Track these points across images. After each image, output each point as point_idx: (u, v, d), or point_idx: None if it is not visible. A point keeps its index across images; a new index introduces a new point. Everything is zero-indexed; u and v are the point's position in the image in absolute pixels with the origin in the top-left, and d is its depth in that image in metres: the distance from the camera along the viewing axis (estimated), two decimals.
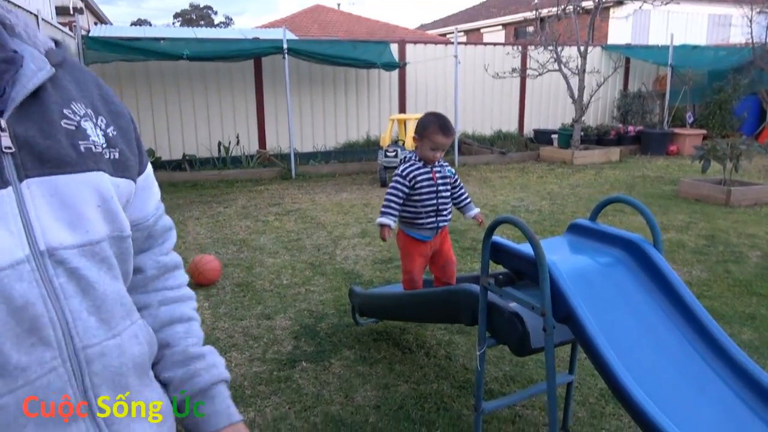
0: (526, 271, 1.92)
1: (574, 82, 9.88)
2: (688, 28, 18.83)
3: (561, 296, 1.76)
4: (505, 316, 2.07)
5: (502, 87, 11.15)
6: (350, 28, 21.54)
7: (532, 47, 10.95)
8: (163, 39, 8.35)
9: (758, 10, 11.68)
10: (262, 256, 4.87)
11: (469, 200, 3.17)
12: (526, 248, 1.90)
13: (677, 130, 10.95)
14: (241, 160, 9.29)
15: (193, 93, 9.27)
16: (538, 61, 10.25)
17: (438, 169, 2.96)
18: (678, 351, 1.75)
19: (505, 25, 24.48)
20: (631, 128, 11.04)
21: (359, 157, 9.77)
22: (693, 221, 5.77)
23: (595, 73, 10.64)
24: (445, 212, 2.96)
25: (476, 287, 2.24)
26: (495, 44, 11.67)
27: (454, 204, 3.12)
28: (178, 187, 8.19)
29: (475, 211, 3.16)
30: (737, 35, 15.78)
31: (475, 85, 11.01)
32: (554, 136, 10.65)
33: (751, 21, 11.08)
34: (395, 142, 8.18)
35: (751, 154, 6.66)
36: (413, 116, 8.30)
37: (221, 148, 9.38)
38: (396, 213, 2.91)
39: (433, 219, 2.93)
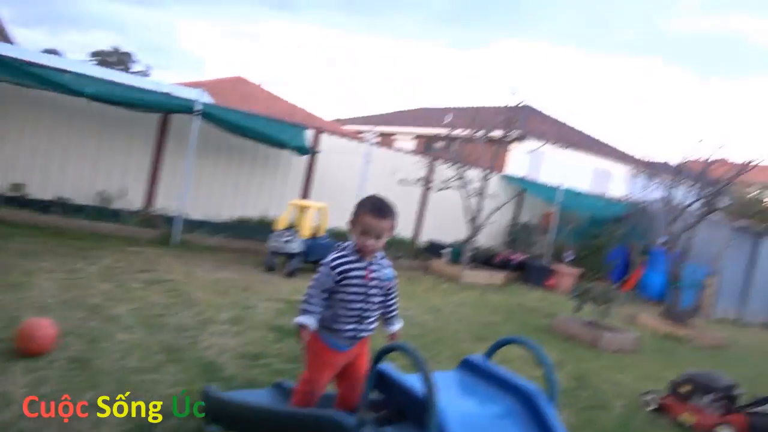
0: (411, 412, 1.70)
1: (473, 201, 10.31)
2: (574, 174, 20.76)
3: None
4: None
5: (405, 193, 11.40)
6: (270, 105, 21.64)
7: (440, 161, 11.44)
8: (69, 72, 7.77)
9: (635, 171, 13.09)
10: (113, 329, 4.28)
11: (395, 313, 2.79)
12: (416, 384, 1.70)
13: (556, 266, 11.61)
14: (120, 215, 8.57)
15: (84, 133, 8.59)
16: (443, 176, 10.66)
17: (375, 267, 2.56)
18: None
19: (417, 136, 25.75)
20: (516, 256, 11.58)
21: (251, 235, 9.37)
22: (564, 360, 5.89)
23: (493, 197, 11.20)
24: (369, 321, 2.57)
25: (349, 420, 1.98)
26: (406, 152, 12.06)
27: (381, 313, 2.72)
28: (41, 230, 7.32)
29: (397, 326, 2.78)
30: (615, 189, 17.58)
31: (379, 187, 11.10)
32: (446, 251, 10.89)
33: (631, 179, 12.32)
34: (290, 228, 7.92)
35: (621, 301, 7.09)
36: (315, 204, 8.15)
37: (102, 197, 8.63)
38: (319, 310, 2.50)
39: (354, 326, 2.54)
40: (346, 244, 2.59)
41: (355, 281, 2.50)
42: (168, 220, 8.70)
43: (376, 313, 2.61)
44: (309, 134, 9.96)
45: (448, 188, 10.47)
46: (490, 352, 2.15)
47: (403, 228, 11.56)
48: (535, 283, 11.17)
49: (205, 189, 9.50)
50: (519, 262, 11.47)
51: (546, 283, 11.25)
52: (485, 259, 11.12)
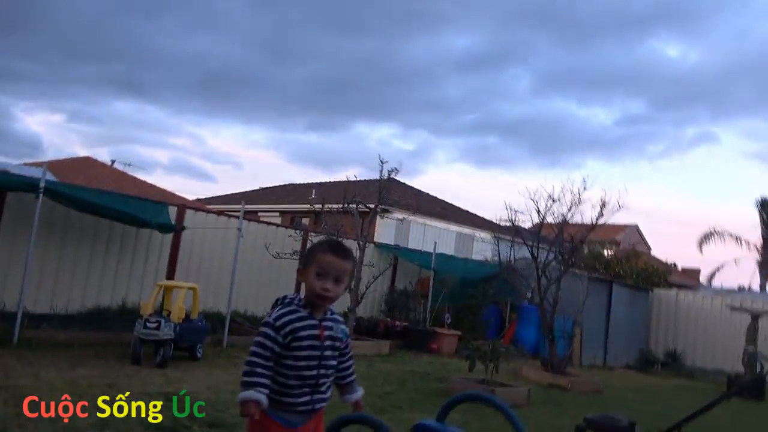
0: None
1: None
2: (440, 239, 21.61)
3: None
4: None
5: (281, 268, 10.92)
6: (123, 186, 20.15)
7: (313, 233, 11.21)
8: None
9: (495, 235, 13.85)
10: None
11: (354, 377, 2.35)
12: None
13: (438, 329, 11.66)
14: None
15: None
16: None
17: (329, 324, 2.15)
18: None
19: (282, 213, 25.39)
20: (397, 323, 11.48)
21: (110, 326, 8.27)
22: (470, 420, 5.71)
23: (371, 266, 11.11)
24: (325, 388, 2.15)
25: None
26: (278, 225, 11.70)
27: (336, 378, 2.27)
28: None
29: (359, 393, 2.34)
30: (479, 252, 18.48)
31: (253, 263, 10.61)
32: None
33: (497, 241, 12.94)
34: (159, 312, 7.11)
35: (510, 356, 7.17)
36: (185, 285, 7.44)
37: None
38: (266, 381, 2.00)
39: (308, 397, 2.09)
40: (290, 296, 2.18)
41: (306, 342, 2.07)
42: (4, 317, 7.41)
43: (331, 377, 2.20)
44: (172, 211, 9.26)
45: None
46: (443, 414, 1.89)
47: None
48: (419, 348, 11.08)
49: (49, 276, 8.31)
50: (401, 328, 11.37)
51: (430, 347, 11.20)
52: (368, 329, 10.87)
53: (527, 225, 12.02)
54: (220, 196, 30.07)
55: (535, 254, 10.10)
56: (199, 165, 68.35)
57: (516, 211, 10.88)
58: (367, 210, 10.95)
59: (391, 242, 18.54)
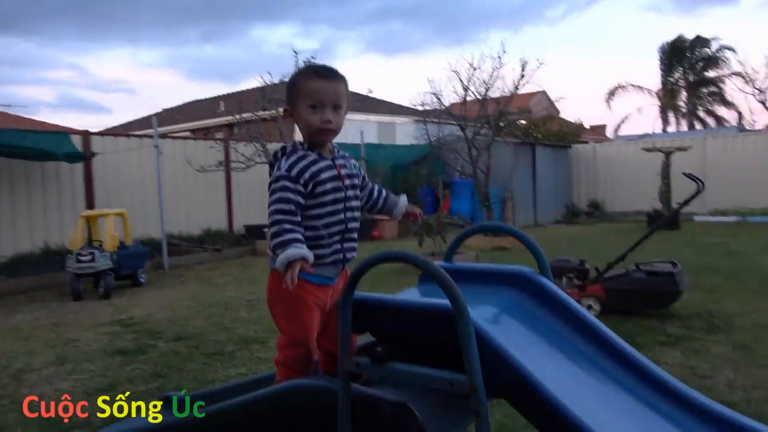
0: (422, 334, 1.29)
1: None
2: (365, 130, 21.39)
3: (500, 359, 1.18)
4: (384, 413, 1.36)
5: (207, 183, 10.46)
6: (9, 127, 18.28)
7: (234, 141, 10.70)
8: None
9: (418, 119, 13.78)
10: None
11: (385, 192, 2.10)
12: (411, 299, 1.29)
13: (377, 217, 11.76)
14: None
15: None
16: (243, 155, 9.98)
17: (342, 161, 1.85)
18: (622, 399, 1.34)
19: (193, 131, 24.07)
20: None
21: (37, 271, 7.72)
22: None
23: None
24: (353, 234, 1.88)
25: (321, 382, 1.49)
26: (196, 139, 11.06)
27: (370, 209, 2.06)
28: None
29: (403, 200, 2.09)
30: (402, 138, 18.45)
31: (177, 181, 10.07)
32: (267, 230, 10.29)
33: (425, 123, 12.86)
34: (90, 243, 6.67)
35: (453, 227, 7.34)
36: (112, 211, 6.97)
37: None
38: (302, 236, 1.67)
39: (339, 245, 1.81)
40: (290, 145, 1.82)
41: (330, 185, 1.77)
42: None
43: (358, 223, 1.90)
44: (76, 140, 8.48)
45: (253, 165, 9.85)
46: (451, 252, 1.83)
47: (214, 219, 10.64)
48: (361, 237, 11.14)
49: None
50: None
51: (372, 235, 11.34)
52: None
53: (449, 102, 11.99)
54: (121, 125, 28.03)
55: (463, 126, 10.14)
56: (89, 97, 62.82)
57: (436, 93, 10.76)
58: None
59: None
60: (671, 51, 32.79)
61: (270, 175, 1.83)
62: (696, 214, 13.26)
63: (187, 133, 23.95)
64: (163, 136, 11.05)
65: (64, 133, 8.41)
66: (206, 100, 28.21)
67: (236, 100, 20.20)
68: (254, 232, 10.53)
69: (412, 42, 64.90)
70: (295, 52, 9.45)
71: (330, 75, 1.81)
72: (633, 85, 30.14)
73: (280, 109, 10.07)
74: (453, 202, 13.37)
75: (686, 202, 4.80)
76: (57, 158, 7.55)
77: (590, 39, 63.68)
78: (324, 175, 1.78)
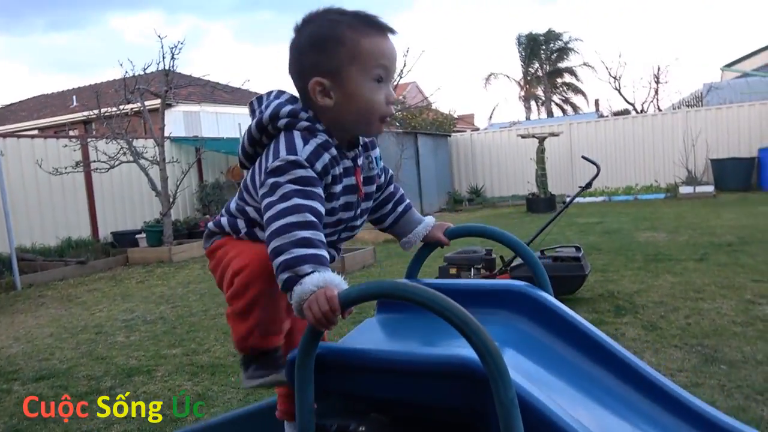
0: (422, 401, 0.92)
1: (154, 173, 8.91)
2: (236, 124, 20.34)
3: (544, 425, 0.84)
4: None
5: (65, 186, 9.21)
6: None
7: (95, 139, 9.52)
8: None
9: None
10: None
11: (410, 206, 1.54)
12: (402, 351, 0.92)
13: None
14: None
15: None
16: (106, 153, 8.89)
17: (362, 160, 1.34)
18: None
19: (41, 129, 21.51)
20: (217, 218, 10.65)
21: None
22: None
23: (175, 163, 9.90)
24: (343, 242, 1.43)
25: None
26: (46, 137, 9.70)
27: (375, 223, 1.52)
28: None
29: (430, 220, 1.55)
30: None
31: (27, 186, 8.75)
32: (140, 236, 9.30)
33: None
34: None
35: None
36: None
37: None
38: (326, 252, 1.12)
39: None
40: (304, 121, 1.22)
41: (341, 201, 1.27)
42: None
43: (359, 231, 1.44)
44: None
45: (118, 164, 8.81)
46: (415, 267, 1.47)
47: (75, 228, 9.40)
48: None
49: None
50: None
51: None
52: (188, 232, 9.92)
53: None
54: None
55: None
56: None
57: None
58: (156, 101, 9.47)
59: (185, 135, 16.91)
60: (528, 43, 34.96)
61: (245, 164, 1.30)
62: (568, 195, 14.07)
63: (35, 132, 21.42)
64: (7, 134, 9.59)
65: None
66: (55, 94, 25.47)
67: (92, 94, 18.36)
68: (124, 239, 9.45)
69: (284, 33, 63.44)
70: (160, 37, 8.51)
71: (392, 31, 1.25)
72: (502, 74, 31.88)
73: (148, 103, 9.10)
74: None
75: (588, 185, 4.85)
76: None
77: (451, 30, 66.29)
78: (338, 186, 1.24)
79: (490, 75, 32.61)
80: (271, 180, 1.15)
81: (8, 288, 7.01)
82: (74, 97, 22.69)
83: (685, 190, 13.05)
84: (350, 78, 1.20)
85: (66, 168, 8.69)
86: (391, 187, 1.50)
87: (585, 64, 33.51)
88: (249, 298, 1.21)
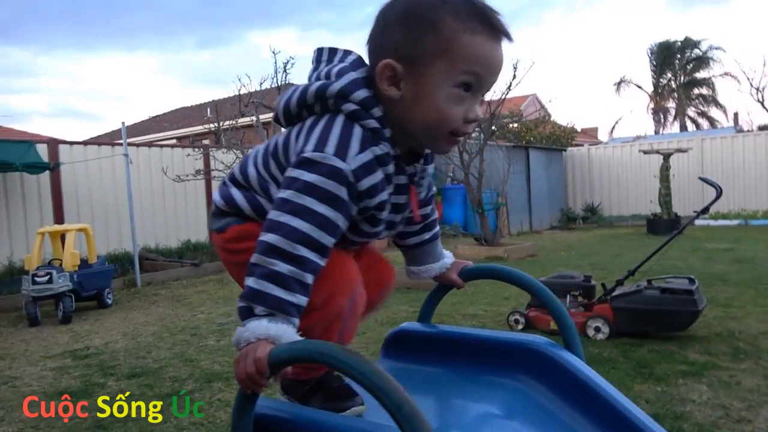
0: None
1: None
2: None
3: None
4: None
5: (186, 192, 9.92)
6: None
7: (215, 149, 10.18)
8: None
9: None
10: None
11: (437, 236, 1.34)
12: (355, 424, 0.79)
13: None
14: None
15: None
16: (223, 162, 9.45)
17: (420, 178, 1.16)
18: None
19: (178, 138, 23.51)
20: None
21: None
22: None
23: None
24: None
25: None
26: (173, 146, 10.53)
27: (403, 236, 1.30)
28: None
29: (449, 256, 1.36)
30: None
31: (153, 191, 9.54)
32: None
33: None
34: (49, 263, 6.13)
35: (446, 236, 6.83)
36: (73, 227, 6.42)
37: None
38: (305, 301, 0.95)
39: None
40: (373, 120, 1.01)
41: (384, 218, 1.08)
42: None
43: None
44: (42, 149, 7.93)
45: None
46: (430, 309, 1.32)
47: (194, 231, 10.09)
48: None
49: None
50: None
51: None
52: None
53: None
54: (106, 134, 27.42)
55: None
56: (83, 105, 62.14)
57: None
58: (273, 116, 9.94)
59: None
60: (660, 52, 32.63)
61: (290, 140, 1.03)
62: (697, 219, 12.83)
63: (173, 141, 23.45)
64: (141, 144, 10.55)
65: (29, 141, 7.84)
66: (194, 106, 27.70)
67: (223, 106, 19.76)
68: None
69: None
70: (274, 53, 8.89)
71: (508, 36, 1.02)
72: (633, 83, 30.14)
73: (262, 117, 9.56)
74: (445, 210, 12.87)
75: (706, 209, 4.34)
76: (16, 169, 6.99)
77: (582, 41, 63.67)
78: (384, 212, 1.05)
79: (621, 81, 30.76)
80: (296, 173, 0.94)
81: (129, 285, 7.64)
82: (209, 109, 24.58)
83: None
84: (430, 73, 0.98)
85: (187, 176, 9.34)
86: (428, 208, 1.29)
87: (727, 74, 30.61)
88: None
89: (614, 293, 4.35)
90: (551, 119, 25.51)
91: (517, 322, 4.57)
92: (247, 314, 0.92)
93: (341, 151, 0.95)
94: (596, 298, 4.44)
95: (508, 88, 9.81)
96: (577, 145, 21.11)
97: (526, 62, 16.94)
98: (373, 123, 1.00)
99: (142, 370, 3.91)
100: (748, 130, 19.47)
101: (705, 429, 2.67)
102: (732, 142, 14.13)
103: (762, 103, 21.72)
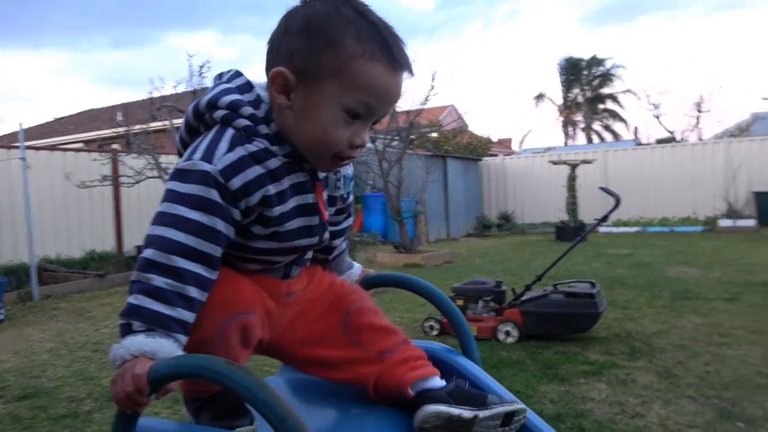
0: None
1: None
2: None
3: None
4: None
5: (92, 199, 9.38)
6: None
7: (124, 153, 9.69)
8: None
9: None
10: None
11: (347, 244, 1.34)
12: None
13: None
14: None
15: None
16: (133, 168, 9.02)
17: (328, 183, 1.12)
18: None
19: (86, 142, 22.23)
20: None
21: None
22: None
23: None
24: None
25: None
26: (78, 150, 9.94)
27: (326, 249, 1.25)
28: None
29: (358, 267, 1.37)
30: None
31: (55, 198, 8.95)
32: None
33: None
34: None
35: (362, 245, 6.85)
36: None
37: None
38: (189, 316, 0.91)
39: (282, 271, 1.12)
40: (244, 118, 0.99)
41: (293, 224, 1.04)
42: None
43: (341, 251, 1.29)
44: None
45: (144, 179, 8.92)
46: None
47: (100, 240, 9.54)
48: None
49: None
50: None
51: None
52: None
53: None
54: (5, 135, 25.46)
55: (374, 138, 9.73)
56: None
57: None
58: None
59: None
60: (569, 68, 34.56)
61: (181, 152, 1.03)
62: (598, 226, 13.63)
63: (80, 145, 22.13)
64: (42, 147, 9.87)
65: None
66: (103, 108, 26.33)
67: (135, 109, 18.88)
68: None
69: None
70: (189, 56, 8.63)
71: (405, 63, 0.99)
72: (548, 97, 31.77)
73: (175, 122, 9.21)
74: (365, 217, 12.93)
75: (605, 218, 4.60)
76: None
77: (499, 55, 66.20)
78: (279, 209, 1.00)
79: (540, 94, 32.33)
80: (169, 185, 0.94)
81: (25, 298, 7.10)
82: (119, 112, 23.43)
83: (724, 223, 12.47)
84: (321, 91, 0.95)
85: (93, 181, 8.83)
86: (350, 220, 1.27)
87: (628, 90, 32.86)
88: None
89: (523, 298, 4.52)
90: (468, 130, 26.31)
91: (432, 328, 4.64)
92: (125, 331, 0.88)
93: (208, 155, 0.94)
94: (507, 303, 4.60)
95: (426, 98, 10.03)
96: (492, 155, 21.86)
97: (445, 74, 17.37)
98: (243, 122, 0.98)
99: (35, 390, 3.63)
100: (647, 144, 20.94)
101: (603, 425, 2.81)
102: (633, 155, 15.15)
103: (658, 119, 23.45)
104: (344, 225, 1.25)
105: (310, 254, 1.19)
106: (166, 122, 9.19)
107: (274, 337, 1.09)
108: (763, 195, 12.84)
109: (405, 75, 1.01)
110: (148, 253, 0.91)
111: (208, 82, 9.31)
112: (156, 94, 8.99)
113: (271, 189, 0.99)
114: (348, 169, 1.17)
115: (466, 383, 1.08)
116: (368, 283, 1.33)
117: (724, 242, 10.48)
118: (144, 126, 9.49)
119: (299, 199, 1.03)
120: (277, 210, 1.00)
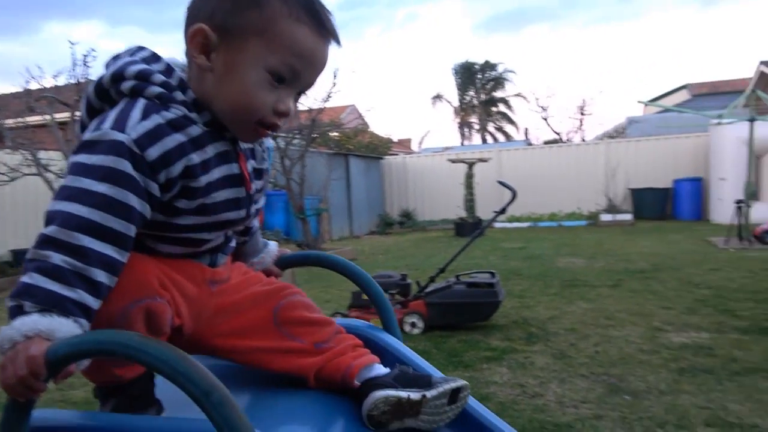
0: None
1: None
2: None
3: None
4: None
5: None
6: None
7: None
8: None
9: None
10: None
11: (257, 227, 1.29)
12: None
13: None
14: None
15: None
16: (7, 165, 8.23)
17: (248, 153, 1.06)
18: None
19: None
20: None
21: None
22: None
23: None
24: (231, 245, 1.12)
25: None
26: None
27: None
28: None
29: (274, 246, 1.32)
30: None
31: None
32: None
33: None
34: None
35: None
36: None
37: None
38: (95, 301, 0.82)
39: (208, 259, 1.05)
40: (156, 86, 0.92)
41: (220, 196, 0.97)
42: None
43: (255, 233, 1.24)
44: None
45: (21, 176, 8.17)
46: None
47: None
48: None
49: None
50: None
51: None
52: None
53: None
54: None
55: (275, 135, 9.56)
56: None
57: None
58: (69, 114, 8.88)
59: None
60: (463, 72, 35.92)
61: (81, 127, 0.95)
62: (495, 220, 14.28)
63: None
64: None
65: None
66: None
67: (7, 102, 17.20)
68: (24, 258, 8.72)
69: None
70: (72, 43, 8.00)
71: (332, 30, 0.96)
72: (444, 98, 32.71)
73: (57, 115, 8.51)
74: (267, 216, 12.66)
75: (503, 210, 4.79)
76: None
77: (397, 57, 67.46)
78: (205, 178, 0.94)
79: (437, 96, 33.25)
80: (74, 158, 0.85)
81: None
82: None
83: (605, 217, 13.50)
84: (244, 49, 0.90)
85: None
86: (264, 198, 1.19)
87: (518, 94, 34.70)
88: None
89: (427, 290, 4.63)
90: (369, 129, 26.56)
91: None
92: (15, 313, 0.78)
93: (119, 124, 0.86)
94: (412, 295, 4.68)
95: (328, 96, 10.01)
96: (393, 154, 22.23)
97: (346, 72, 17.43)
98: (156, 89, 0.91)
99: None
100: (537, 144, 22.23)
101: (506, 406, 2.94)
102: (524, 154, 16.01)
103: (546, 121, 24.98)
104: (262, 202, 1.20)
105: (234, 242, 1.14)
106: (47, 116, 8.49)
107: (198, 328, 1.02)
108: (638, 191, 14.06)
109: (332, 44, 0.98)
110: (47, 230, 0.82)
111: (95, 73, 8.67)
112: (34, 85, 8.27)
113: (195, 158, 0.92)
114: (269, 142, 1.13)
115: (410, 369, 1.09)
116: (285, 262, 1.30)
117: (605, 235, 11.35)
118: (20, 120, 8.69)
119: (225, 169, 0.98)
120: (203, 180, 0.93)
